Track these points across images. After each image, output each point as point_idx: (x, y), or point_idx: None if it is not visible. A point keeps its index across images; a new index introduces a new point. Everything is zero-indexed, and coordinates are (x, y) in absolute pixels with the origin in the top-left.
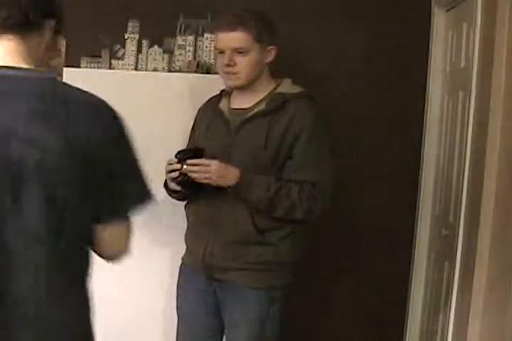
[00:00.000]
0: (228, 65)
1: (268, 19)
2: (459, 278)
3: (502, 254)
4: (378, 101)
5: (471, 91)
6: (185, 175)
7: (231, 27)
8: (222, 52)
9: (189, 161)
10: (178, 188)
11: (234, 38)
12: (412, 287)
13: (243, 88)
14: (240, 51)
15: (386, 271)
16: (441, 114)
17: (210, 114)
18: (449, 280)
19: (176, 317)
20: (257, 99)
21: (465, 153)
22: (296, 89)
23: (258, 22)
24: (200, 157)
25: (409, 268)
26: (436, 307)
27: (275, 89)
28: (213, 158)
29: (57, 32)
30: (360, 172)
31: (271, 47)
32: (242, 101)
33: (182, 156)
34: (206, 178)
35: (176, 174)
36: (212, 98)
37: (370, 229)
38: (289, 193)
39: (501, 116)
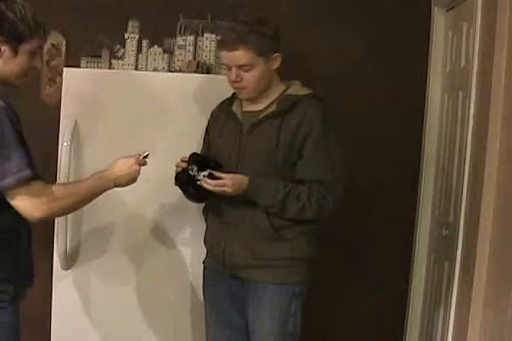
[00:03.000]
0: (235, 81)
1: (269, 27)
2: (459, 278)
3: (502, 254)
4: (378, 101)
5: (471, 91)
6: (189, 174)
7: (232, 46)
8: (228, 68)
9: (205, 173)
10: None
11: (236, 57)
12: (412, 287)
13: (255, 98)
14: (244, 68)
15: (386, 271)
16: (441, 114)
17: (223, 117)
18: (449, 280)
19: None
20: (268, 102)
21: (465, 152)
22: (305, 91)
23: (259, 35)
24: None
25: (409, 268)
26: (436, 307)
27: (285, 91)
28: (220, 166)
29: (14, 50)
30: (360, 172)
31: (276, 54)
32: (254, 104)
33: (201, 164)
34: (222, 191)
35: (179, 169)
36: (224, 100)
37: (370, 229)
38: (298, 196)
39: (501, 116)
